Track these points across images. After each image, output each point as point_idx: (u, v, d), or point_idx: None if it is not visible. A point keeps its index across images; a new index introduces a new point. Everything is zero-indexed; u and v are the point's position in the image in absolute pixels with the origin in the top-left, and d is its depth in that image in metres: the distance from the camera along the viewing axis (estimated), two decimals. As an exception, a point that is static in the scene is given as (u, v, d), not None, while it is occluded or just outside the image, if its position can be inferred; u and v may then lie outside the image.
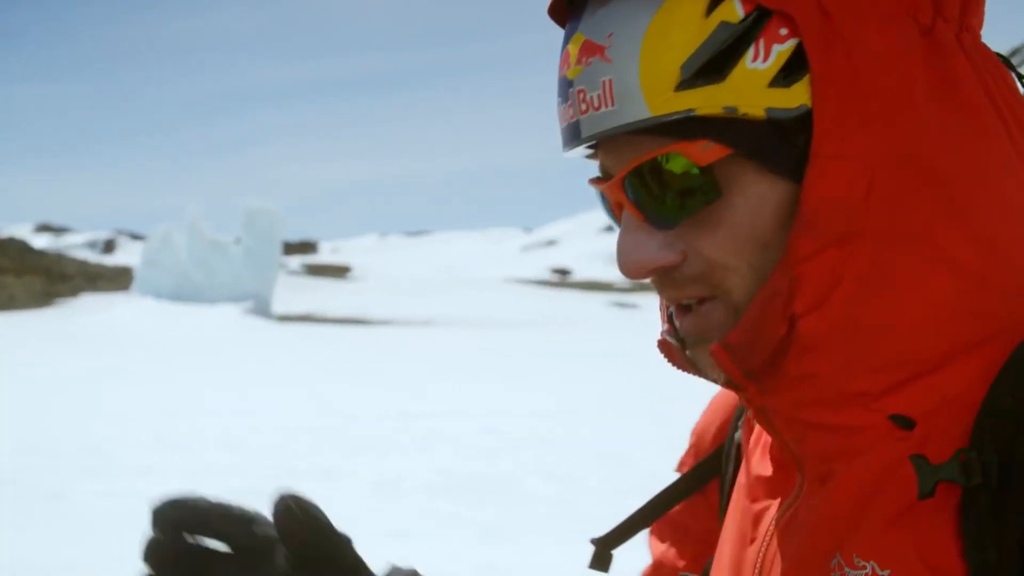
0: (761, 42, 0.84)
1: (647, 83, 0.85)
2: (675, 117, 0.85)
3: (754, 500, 1.02)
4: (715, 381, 0.95)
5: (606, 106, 0.88)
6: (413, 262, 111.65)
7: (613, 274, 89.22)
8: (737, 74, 0.84)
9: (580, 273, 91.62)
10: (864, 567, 0.86)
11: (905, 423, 0.88)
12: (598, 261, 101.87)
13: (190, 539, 0.83)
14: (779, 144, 0.86)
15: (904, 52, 0.85)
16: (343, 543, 0.86)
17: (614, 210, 0.96)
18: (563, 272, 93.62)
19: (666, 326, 0.99)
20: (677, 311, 0.95)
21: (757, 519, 1.01)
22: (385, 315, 51.29)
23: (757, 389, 0.91)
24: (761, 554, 0.98)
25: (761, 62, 0.85)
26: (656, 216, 0.90)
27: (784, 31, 0.85)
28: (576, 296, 71.28)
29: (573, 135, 0.92)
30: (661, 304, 1.01)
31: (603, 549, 1.22)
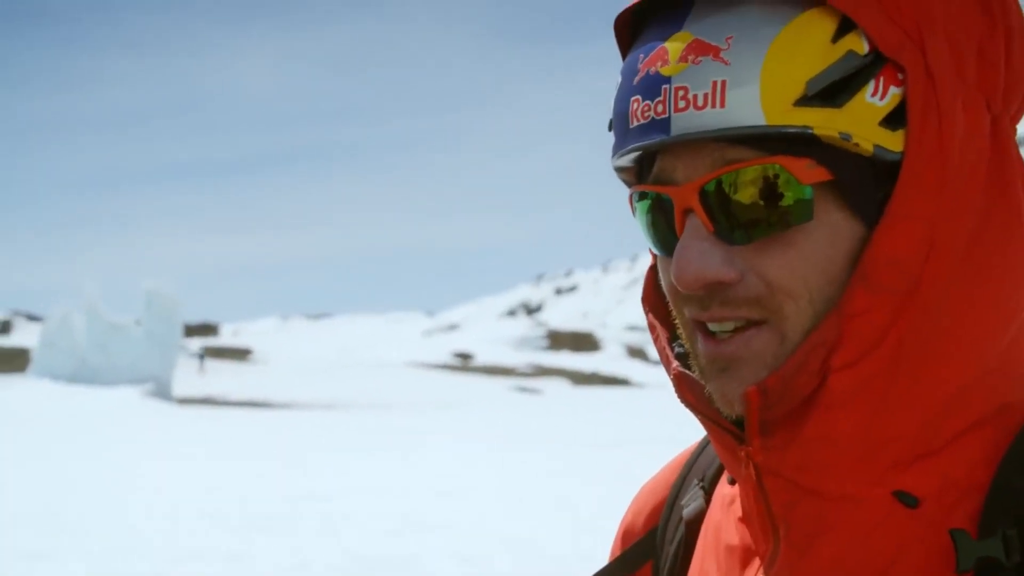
0: (881, 79, 0.85)
1: (768, 92, 0.83)
2: (791, 131, 0.83)
3: (724, 571, 1.02)
4: (725, 416, 0.92)
5: (713, 106, 0.84)
6: (315, 345, 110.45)
7: (515, 359, 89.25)
8: (856, 104, 0.84)
9: (482, 357, 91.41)
10: None
11: (908, 500, 0.88)
12: (500, 345, 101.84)
13: None
14: (872, 183, 0.86)
15: (979, 134, 0.87)
16: None
17: (676, 218, 0.90)
18: (465, 356, 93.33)
19: (675, 363, 0.97)
20: (707, 339, 0.91)
21: None
22: (287, 398, 50.71)
23: (761, 445, 0.89)
24: None
25: (879, 99, 0.84)
26: (729, 229, 0.87)
27: (901, 76, 0.85)
28: (478, 380, 71.10)
29: (657, 130, 0.87)
30: (663, 343, 1.00)
31: None
